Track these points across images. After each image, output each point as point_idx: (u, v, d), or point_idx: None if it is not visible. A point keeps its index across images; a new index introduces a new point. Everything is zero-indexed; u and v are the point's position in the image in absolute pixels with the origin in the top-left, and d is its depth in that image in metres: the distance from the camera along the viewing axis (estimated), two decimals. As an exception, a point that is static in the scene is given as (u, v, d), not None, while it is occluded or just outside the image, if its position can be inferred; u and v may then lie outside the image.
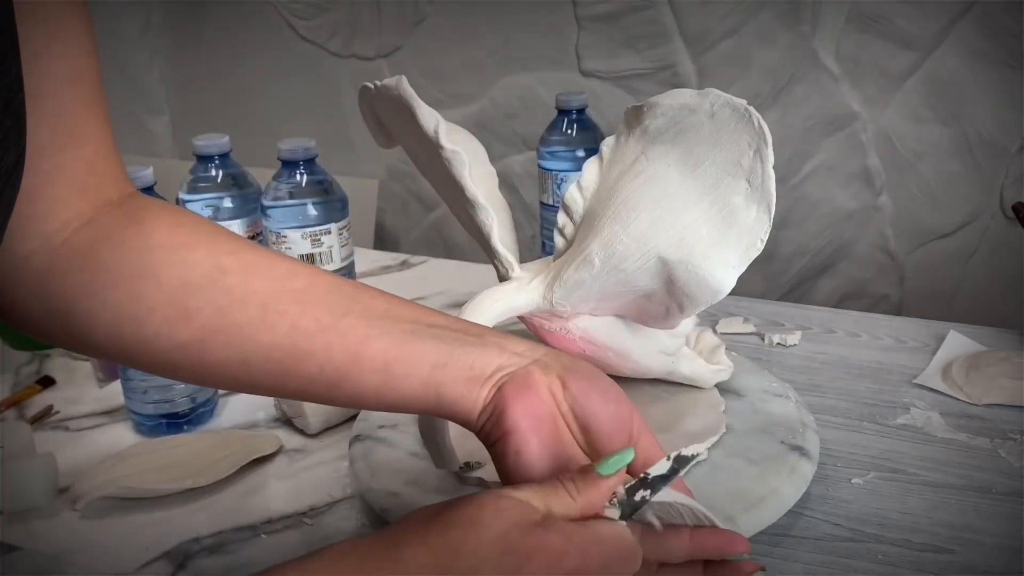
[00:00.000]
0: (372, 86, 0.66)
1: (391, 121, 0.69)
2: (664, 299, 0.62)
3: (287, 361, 0.49)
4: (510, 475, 0.48)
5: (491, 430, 0.48)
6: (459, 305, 1.01)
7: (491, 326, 0.61)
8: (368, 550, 0.42)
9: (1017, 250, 1.20)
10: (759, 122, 0.58)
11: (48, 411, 0.85)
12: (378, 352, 0.49)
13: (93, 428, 0.83)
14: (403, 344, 0.49)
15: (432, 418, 0.59)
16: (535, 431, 0.48)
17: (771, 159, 0.58)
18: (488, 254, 0.66)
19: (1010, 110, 1.17)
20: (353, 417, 0.79)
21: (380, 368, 0.49)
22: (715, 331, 0.94)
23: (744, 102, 0.59)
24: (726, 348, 0.78)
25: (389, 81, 0.64)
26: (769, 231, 0.60)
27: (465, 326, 0.52)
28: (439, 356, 0.49)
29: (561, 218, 0.66)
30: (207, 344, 0.49)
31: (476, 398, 0.48)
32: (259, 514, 0.69)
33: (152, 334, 0.50)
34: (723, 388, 0.75)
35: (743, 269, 0.60)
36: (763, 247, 0.60)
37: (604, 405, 0.49)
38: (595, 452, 0.49)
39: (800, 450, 0.67)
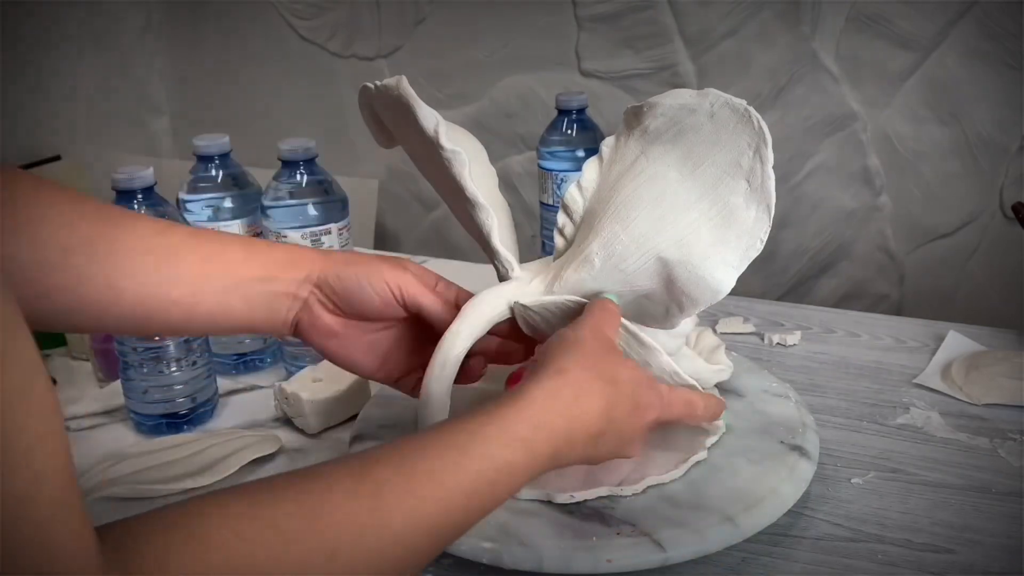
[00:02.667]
0: (372, 86, 0.66)
1: (391, 121, 0.69)
2: (664, 299, 0.62)
3: (136, 324, 0.60)
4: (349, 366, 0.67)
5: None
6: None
7: (491, 326, 0.63)
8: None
9: (1017, 250, 1.20)
10: (759, 122, 0.58)
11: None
12: (201, 317, 0.61)
13: (93, 428, 0.83)
14: (220, 306, 0.61)
15: (426, 404, 0.63)
16: (335, 346, 0.65)
17: (771, 159, 0.58)
18: (488, 254, 0.66)
19: (1010, 110, 1.17)
20: (353, 417, 0.79)
21: (208, 322, 0.61)
22: (715, 331, 0.94)
23: (744, 102, 0.59)
24: (726, 348, 0.78)
25: (389, 81, 0.64)
26: (769, 231, 0.60)
27: (259, 271, 0.62)
28: (246, 310, 0.62)
29: (561, 218, 0.66)
30: (71, 314, 0.57)
31: (281, 331, 0.64)
32: (259, 514, 0.69)
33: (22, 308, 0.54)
34: (723, 388, 0.75)
35: (743, 269, 0.60)
36: (763, 247, 0.60)
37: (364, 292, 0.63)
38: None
39: (800, 450, 0.67)
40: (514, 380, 0.67)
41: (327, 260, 0.64)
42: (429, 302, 0.63)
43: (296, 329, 0.64)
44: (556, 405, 0.53)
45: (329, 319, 0.63)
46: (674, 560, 0.58)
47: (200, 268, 0.60)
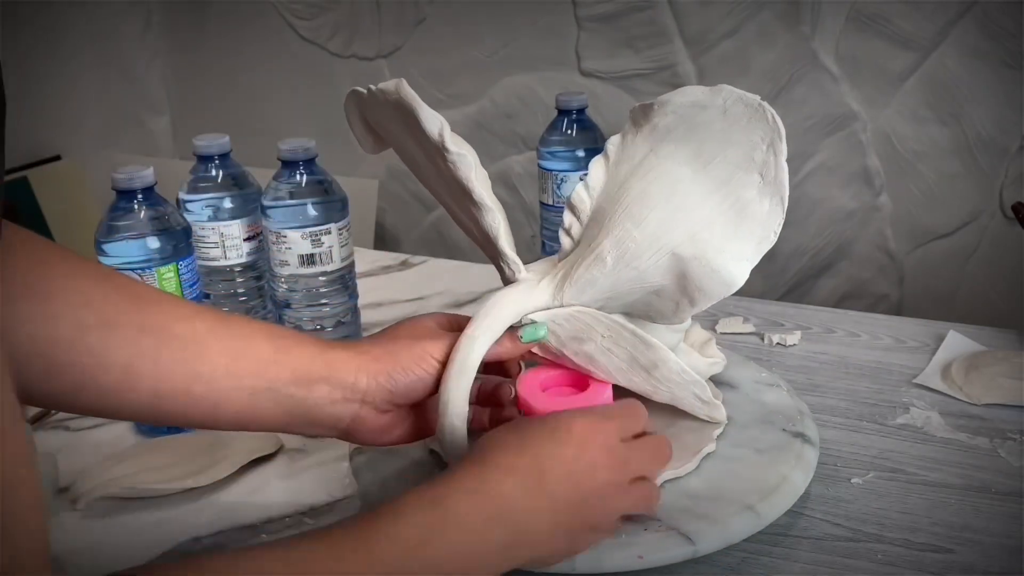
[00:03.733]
0: (365, 90, 0.66)
1: (385, 125, 0.69)
2: (675, 294, 0.62)
3: (153, 415, 0.57)
4: None
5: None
6: (460, 305, 1.02)
7: (504, 328, 0.63)
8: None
9: (1017, 250, 1.20)
10: (773, 116, 0.58)
11: (48, 411, 0.85)
12: (226, 418, 0.57)
13: (93, 428, 0.83)
14: (248, 410, 0.57)
15: (445, 413, 0.61)
16: (388, 438, 0.62)
17: (785, 152, 0.59)
18: (492, 257, 0.66)
19: (1010, 110, 1.17)
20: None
21: (236, 423, 0.58)
22: (715, 331, 0.94)
23: (757, 97, 0.59)
24: (718, 343, 0.78)
25: (388, 84, 0.64)
26: (782, 224, 0.60)
27: (293, 374, 0.58)
28: (281, 417, 0.59)
29: (567, 218, 0.66)
30: (79, 396, 0.53)
31: (326, 435, 0.61)
32: (259, 514, 0.69)
33: (25, 382, 0.51)
34: (717, 380, 0.75)
35: (756, 262, 0.61)
36: (776, 240, 0.60)
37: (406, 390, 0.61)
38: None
39: (802, 437, 0.68)
40: (526, 385, 0.66)
41: (373, 362, 0.59)
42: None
43: (346, 434, 0.61)
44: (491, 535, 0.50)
45: (383, 420, 0.61)
46: (703, 552, 0.59)
47: (226, 366, 0.56)
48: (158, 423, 0.66)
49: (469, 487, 0.51)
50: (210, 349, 0.56)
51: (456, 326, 0.63)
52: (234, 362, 0.56)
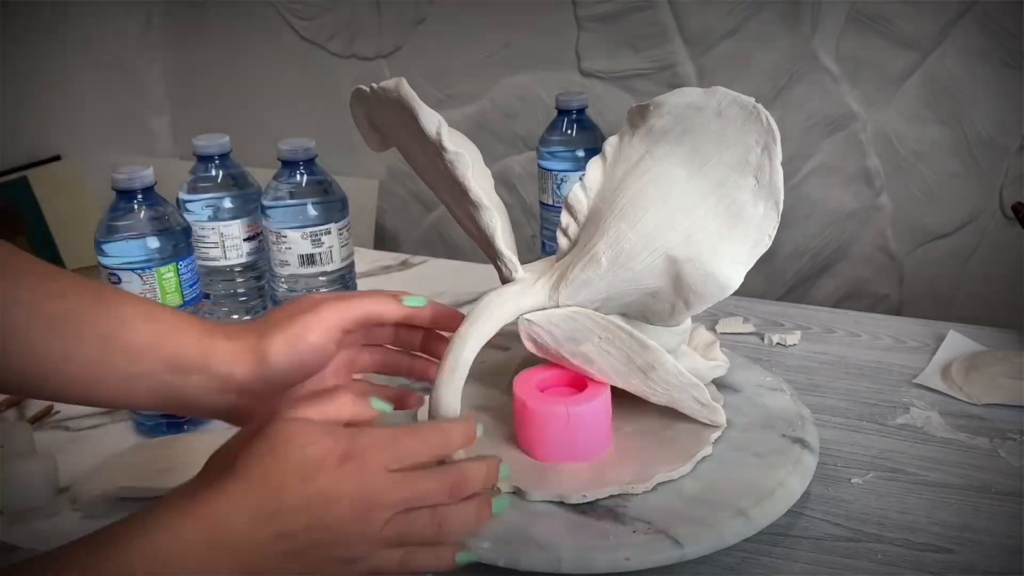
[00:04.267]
0: (367, 88, 0.66)
1: (388, 123, 0.69)
2: (670, 297, 0.62)
3: (31, 391, 0.57)
4: None
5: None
6: (459, 305, 1.02)
7: (498, 329, 0.63)
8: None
9: (1017, 250, 1.20)
10: (767, 119, 0.58)
11: (48, 411, 0.85)
12: (104, 398, 0.58)
13: (93, 428, 0.83)
14: (124, 393, 0.57)
15: (436, 414, 0.62)
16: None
17: (779, 156, 0.59)
18: (490, 256, 0.66)
19: (1010, 110, 1.17)
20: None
21: (115, 403, 0.60)
22: (715, 331, 0.94)
23: (752, 100, 0.59)
24: (721, 345, 0.78)
25: (388, 83, 0.64)
26: (776, 227, 0.60)
27: (167, 363, 0.57)
28: (158, 402, 0.58)
29: (565, 218, 0.66)
30: None
31: (202, 417, 0.63)
32: (259, 514, 0.69)
33: None
34: (719, 383, 0.75)
35: (751, 265, 0.61)
36: (771, 243, 0.60)
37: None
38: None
39: (802, 442, 0.68)
40: (523, 385, 0.67)
41: (245, 353, 0.58)
42: (370, 307, 0.61)
43: (223, 417, 0.60)
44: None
45: (268, 406, 0.56)
46: (690, 556, 0.59)
47: (99, 349, 0.55)
48: (38, 397, 0.67)
49: (197, 517, 0.46)
50: (84, 330, 0.55)
51: (345, 307, 0.60)
52: (108, 344, 0.55)
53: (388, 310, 0.61)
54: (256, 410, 0.57)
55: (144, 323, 0.57)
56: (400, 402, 0.63)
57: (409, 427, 0.54)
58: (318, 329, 0.58)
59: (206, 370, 0.57)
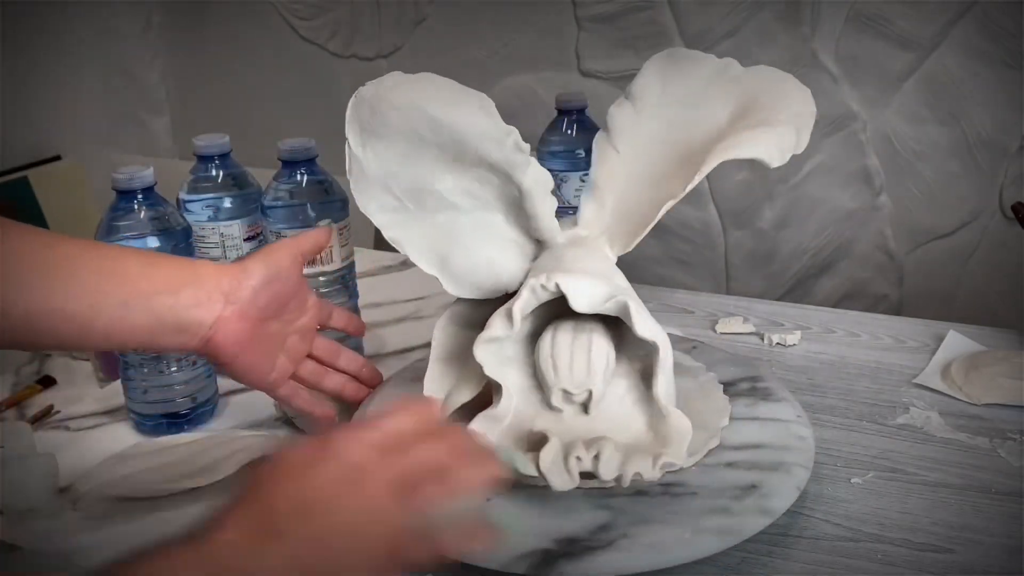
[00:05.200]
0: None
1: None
2: None
3: (28, 338, 0.59)
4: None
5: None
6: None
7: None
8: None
9: (1017, 250, 1.20)
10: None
11: (48, 411, 0.85)
12: (98, 334, 0.60)
13: (93, 428, 0.83)
14: (119, 322, 0.60)
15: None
16: (245, 357, 0.67)
17: None
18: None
19: (1010, 110, 1.17)
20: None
21: (107, 340, 0.61)
22: (715, 331, 0.94)
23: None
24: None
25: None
26: None
27: (162, 285, 0.62)
28: (151, 326, 0.62)
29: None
30: None
31: (192, 348, 0.64)
32: (259, 514, 0.69)
33: None
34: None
35: None
36: None
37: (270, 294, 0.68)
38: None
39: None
40: None
41: (231, 267, 0.67)
42: (309, 243, 0.73)
43: (208, 344, 0.64)
44: None
45: (244, 327, 0.65)
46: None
47: (96, 282, 0.59)
48: (33, 348, 0.70)
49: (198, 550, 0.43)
50: (80, 269, 0.59)
51: (296, 240, 0.73)
52: (104, 278, 0.60)
53: (323, 235, 0.75)
54: (240, 330, 0.65)
55: (135, 257, 0.64)
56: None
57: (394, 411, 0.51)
58: (282, 251, 0.69)
59: (195, 283, 0.63)
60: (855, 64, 1.24)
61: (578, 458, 0.58)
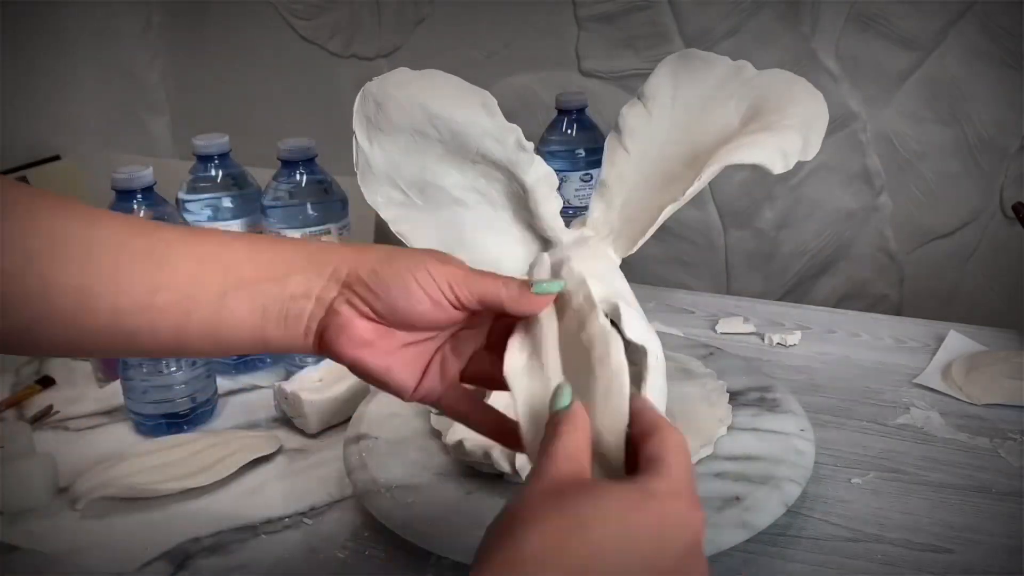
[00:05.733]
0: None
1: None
2: None
3: (116, 340, 0.50)
4: (382, 385, 0.53)
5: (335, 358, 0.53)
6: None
7: None
8: None
9: (1017, 250, 1.20)
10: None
11: (48, 411, 0.85)
12: (196, 330, 0.50)
13: (93, 428, 0.83)
14: (218, 315, 0.51)
15: None
16: (370, 356, 0.52)
17: None
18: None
19: (1010, 110, 1.17)
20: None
21: (207, 336, 0.51)
22: (715, 331, 0.94)
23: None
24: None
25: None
26: None
27: (268, 270, 0.52)
28: (255, 319, 0.51)
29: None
30: (34, 331, 0.48)
31: (303, 345, 0.52)
32: (259, 514, 0.69)
33: None
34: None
35: None
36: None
37: (404, 297, 0.51)
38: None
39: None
40: None
41: (359, 255, 0.52)
42: (493, 289, 0.52)
43: (321, 341, 0.52)
44: None
45: (362, 326, 0.51)
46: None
47: (194, 271, 0.50)
48: (124, 350, 0.54)
49: None
50: (174, 256, 0.50)
51: (470, 278, 0.53)
52: (201, 265, 0.51)
53: (512, 296, 0.52)
54: (355, 330, 0.51)
55: (241, 242, 0.53)
56: None
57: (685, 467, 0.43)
58: (438, 274, 0.52)
59: (308, 269, 0.52)
60: (855, 64, 1.24)
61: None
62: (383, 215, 0.68)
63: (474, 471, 0.67)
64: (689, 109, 0.66)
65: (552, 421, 0.43)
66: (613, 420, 0.44)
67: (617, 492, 0.39)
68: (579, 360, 0.48)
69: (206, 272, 0.51)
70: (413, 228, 0.68)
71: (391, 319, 0.51)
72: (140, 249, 0.50)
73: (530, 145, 0.67)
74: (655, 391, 0.57)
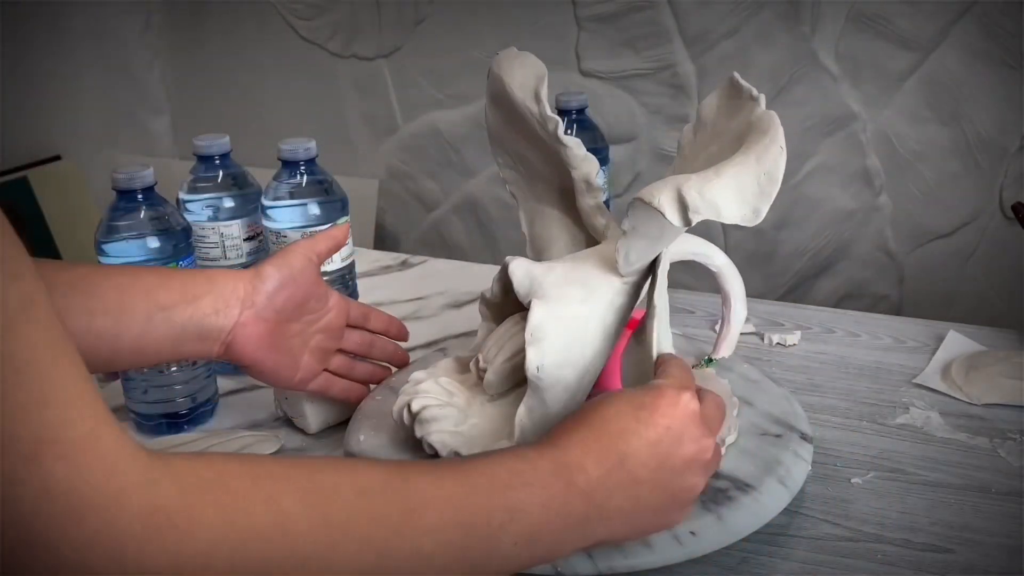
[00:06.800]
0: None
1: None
2: None
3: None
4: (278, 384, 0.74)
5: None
6: (460, 305, 1.02)
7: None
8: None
9: (1017, 250, 1.20)
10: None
11: (48, 411, 0.85)
12: (127, 348, 0.62)
13: (93, 428, 0.83)
14: (144, 337, 0.62)
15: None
16: (265, 355, 0.68)
17: None
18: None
19: (1010, 110, 1.17)
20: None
21: (136, 353, 0.63)
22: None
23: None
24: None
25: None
26: None
27: (180, 295, 0.64)
28: (174, 338, 0.64)
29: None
30: None
31: (215, 355, 0.67)
32: (259, 514, 0.69)
33: None
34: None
35: None
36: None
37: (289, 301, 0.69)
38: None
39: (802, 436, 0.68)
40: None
41: (245, 272, 0.68)
42: (325, 243, 0.72)
43: (227, 349, 0.66)
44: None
45: (262, 328, 0.67)
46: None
47: (118, 299, 0.61)
48: None
49: (552, 458, 0.51)
50: (99, 286, 0.60)
51: (310, 241, 0.72)
52: (124, 294, 0.61)
53: (341, 232, 0.75)
54: (258, 333, 0.66)
55: (151, 271, 0.66)
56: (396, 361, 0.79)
57: (679, 367, 0.59)
58: (296, 253, 0.70)
59: (213, 291, 0.65)
60: (855, 64, 1.24)
61: (409, 407, 0.65)
62: (502, 175, 0.75)
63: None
64: (716, 140, 0.65)
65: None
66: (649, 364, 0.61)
67: (626, 390, 0.56)
68: None
69: (129, 299, 0.61)
70: (518, 191, 0.75)
71: (283, 302, 0.68)
72: (69, 280, 0.59)
73: (572, 140, 0.69)
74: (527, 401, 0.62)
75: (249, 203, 0.89)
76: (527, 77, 0.69)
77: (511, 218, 0.71)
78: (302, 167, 0.86)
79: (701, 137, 0.66)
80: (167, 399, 0.80)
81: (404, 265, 1.15)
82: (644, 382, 0.58)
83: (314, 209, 0.86)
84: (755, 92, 0.62)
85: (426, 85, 1.53)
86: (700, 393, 0.56)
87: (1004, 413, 0.78)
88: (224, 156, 0.90)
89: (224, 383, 0.88)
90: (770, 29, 1.26)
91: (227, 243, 0.88)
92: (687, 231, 0.59)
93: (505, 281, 0.66)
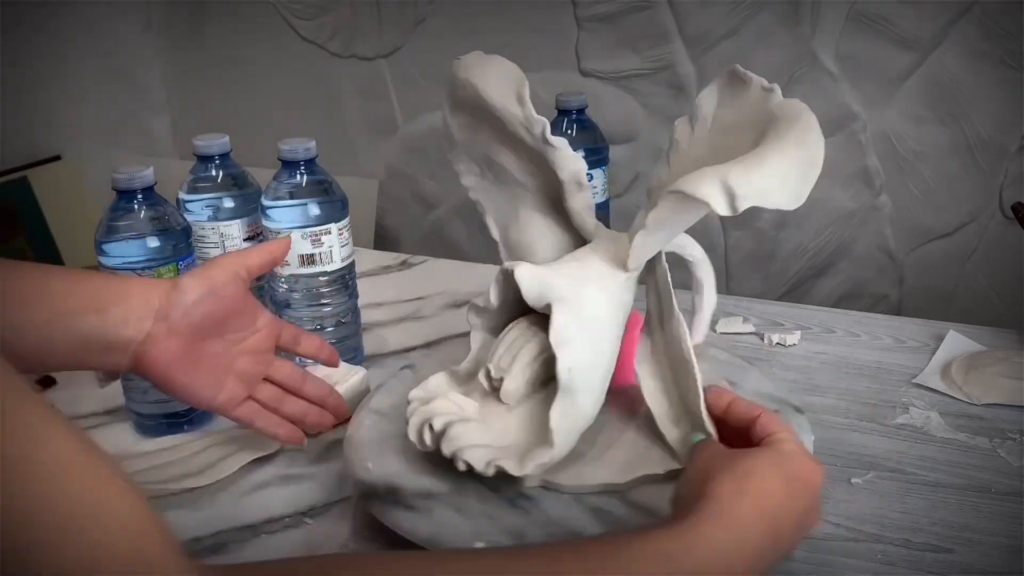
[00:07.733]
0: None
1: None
2: None
3: None
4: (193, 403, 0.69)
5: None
6: (459, 305, 1.02)
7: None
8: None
9: (1016, 250, 1.20)
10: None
11: (48, 411, 0.85)
12: (31, 352, 0.59)
13: (93, 428, 0.83)
14: (46, 344, 0.59)
15: None
16: (177, 371, 0.64)
17: None
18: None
19: (1010, 110, 1.17)
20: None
21: (37, 362, 0.60)
22: (715, 331, 0.94)
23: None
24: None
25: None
26: None
27: (89, 302, 0.60)
28: (77, 350, 0.60)
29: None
30: None
31: (124, 368, 0.63)
32: (259, 514, 0.69)
33: None
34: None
35: None
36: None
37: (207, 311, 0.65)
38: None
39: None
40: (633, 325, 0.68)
41: (163, 284, 0.65)
42: (258, 258, 0.70)
43: (137, 363, 0.63)
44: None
45: (175, 344, 0.63)
46: None
47: (19, 303, 0.58)
48: None
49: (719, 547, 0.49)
50: (9, 283, 0.58)
51: (242, 254, 0.70)
52: (27, 299, 0.58)
53: (280, 247, 0.74)
54: (170, 348, 0.63)
55: (62, 274, 0.62)
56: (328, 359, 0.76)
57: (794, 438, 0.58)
58: (222, 266, 0.67)
59: (125, 302, 0.61)
60: (855, 64, 1.24)
61: (430, 427, 0.63)
62: (462, 182, 0.74)
63: (472, 472, 0.67)
64: (724, 132, 0.64)
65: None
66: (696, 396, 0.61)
67: (766, 453, 0.54)
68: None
69: (33, 304, 0.58)
70: (484, 198, 0.74)
71: (199, 319, 0.64)
72: None
73: (559, 140, 0.68)
74: (559, 403, 0.61)
75: (249, 203, 0.89)
76: (504, 81, 0.68)
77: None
78: (302, 167, 0.86)
79: (700, 131, 0.66)
80: (167, 399, 0.80)
81: (404, 265, 1.15)
82: (676, 369, 0.59)
83: (314, 209, 0.86)
84: (767, 83, 0.62)
85: (426, 85, 1.53)
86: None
87: (1004, 413, 0.78)
88: (224, 156, 0.90)
89: (224, 383, 0.88)
90: (770, 29, 1.26)
91: (227, 243, 0.88)
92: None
93: (505, 288, 0.65)
